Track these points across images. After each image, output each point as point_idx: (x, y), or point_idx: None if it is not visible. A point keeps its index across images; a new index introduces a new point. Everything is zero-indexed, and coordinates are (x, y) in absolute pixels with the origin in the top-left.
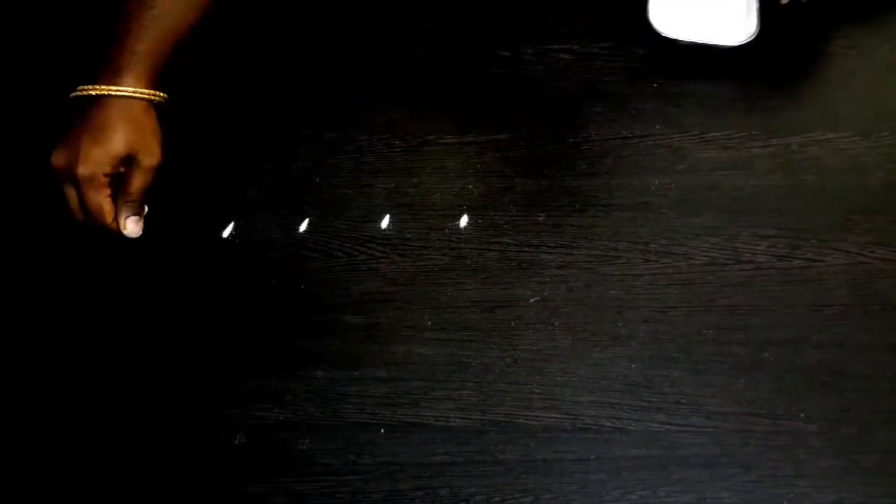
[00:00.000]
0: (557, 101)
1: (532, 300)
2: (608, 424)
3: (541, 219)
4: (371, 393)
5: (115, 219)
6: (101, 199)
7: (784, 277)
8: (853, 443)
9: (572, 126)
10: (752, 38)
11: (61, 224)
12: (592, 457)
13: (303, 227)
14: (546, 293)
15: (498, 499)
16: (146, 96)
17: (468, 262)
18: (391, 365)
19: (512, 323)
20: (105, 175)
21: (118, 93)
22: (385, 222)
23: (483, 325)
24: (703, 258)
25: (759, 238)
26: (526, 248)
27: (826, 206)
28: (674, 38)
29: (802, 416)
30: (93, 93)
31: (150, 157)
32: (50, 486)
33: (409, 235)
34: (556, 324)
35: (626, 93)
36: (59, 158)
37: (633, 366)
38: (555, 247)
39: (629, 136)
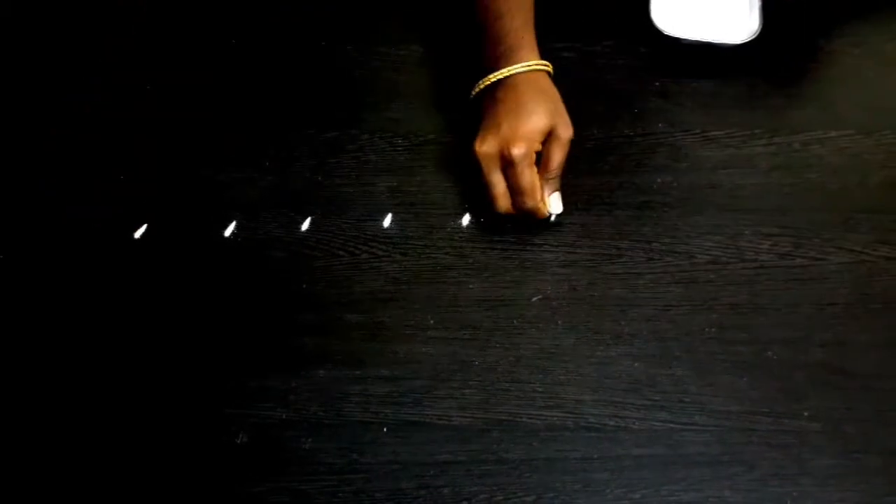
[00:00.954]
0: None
1: (534, 299)
2: (611, 423)
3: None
4: (373, 392)
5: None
6: (535, 177)
7: (787, 276)
8: (857, 442)
9: (575, 124)
10: (755, 36)
11: (63, 224)
12: (595, 455)
13: (305, 225)
14: (549, 292)
15: (501, 497)
16: (543, 67)
17: (470, 260)
18: (394, 364)
19: (514, 322)
20: (534, 152)
21: (523, 69)
22: (387, 221)
23: (485, 323)
24: (706, 256)
25: (762, 236)
26: (528, 247)
27: (829, 205)
28: (676, 36)
29: (805, 414)
30: (500, 76)
31: (566, 128)
32: (54, 485)
33: (411, 234)
34: (559, 322)
35: (629, 91)
36: (487, 147)
37: (636, 364)
38: (557, 245)
39: (631, 134)
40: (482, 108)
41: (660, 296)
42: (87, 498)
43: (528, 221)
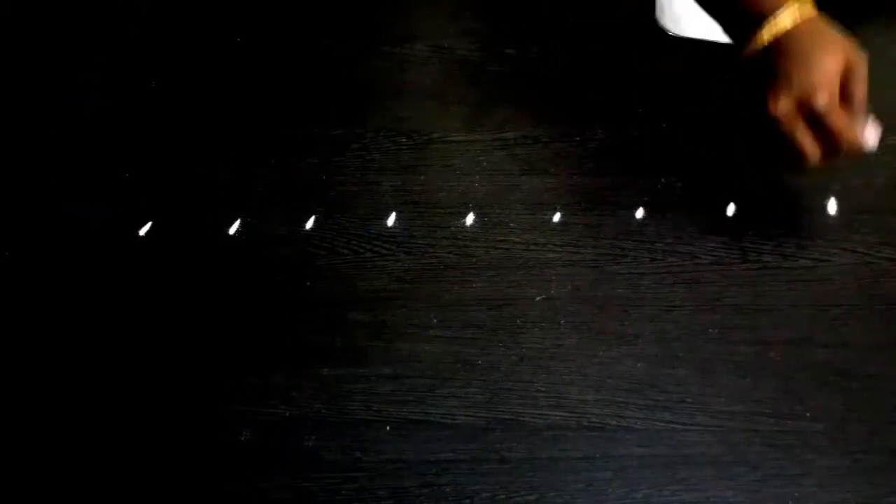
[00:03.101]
0: (564, 99)
1: (538, 298)
2: (613, 423)
3: (547, 217)
4: (377, 390)
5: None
6: (844, 117)
7: (790, 277)
8: (859, 442)
9: (579, 124)
10: None
11: (65, 223)
12: (598, 455)
13: (309, 224)
14: (552, 292)
15: (503, 496)
16: (807, 8)
17: (474, 260)
18: (397, 362)
19: (518, 321)
20: (837, 95)
21: (790, 18)
22: (391, 220)
23: (489, 323)
24: (709, 257)
25: (766, 237)
26: (532, 247)
27: (833, 206)
28: (682, 35)
29: (808, 415)
30: (773, 29)
31: (858, 56)
32: (57, 483)
33: (415, 233)
34: (562, 322)
35: (633, 91)
36: (783, 106)
37: (639, 364)
38: (561, 245)
39: (635, 134)
40: (757, 69)
41: (663, 296)
42: (90, 495)
43: (840, 167)
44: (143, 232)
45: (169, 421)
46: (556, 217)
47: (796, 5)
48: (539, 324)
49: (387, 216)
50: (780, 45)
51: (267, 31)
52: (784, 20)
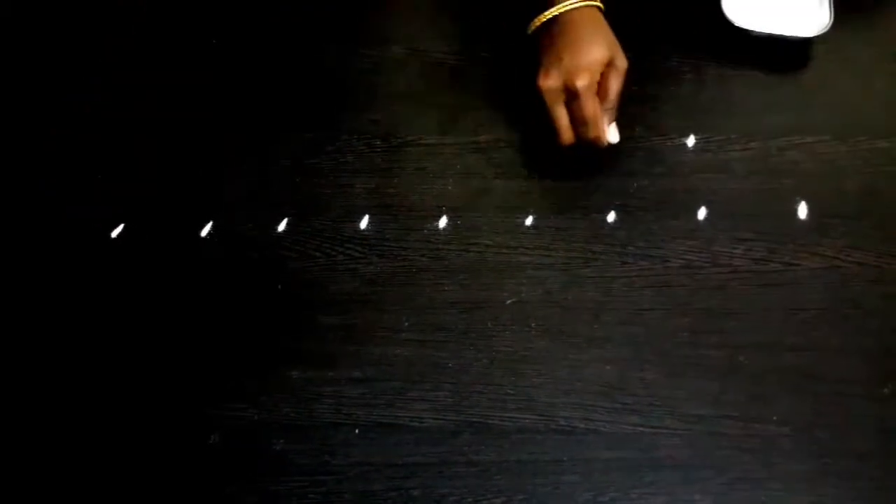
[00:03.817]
0: (537, 104)
1: (509, 302)
2: (582, 426)
3: (519, 220)
4: (346, 393)
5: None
6: (598, 107)
7: (760, 281)
8: (826, 446)
9: (552, 128)
10: (826, 30)
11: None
12: (566, 458)
13: (281, 226)
14: (523, 294)
15: (471, 499)
16: (595, 3)
17: (446, 263)
18: (367, 365)
19: (489, 324)
20: (596, 83)
21: (578, 4)
22: (364, 223)
23: (460, 326)
24: (680, 261)
25: (737, 241)
26: (504, 250)
27: (803, 210)
28: (747, 28)
29: (775, 419)
30: (555, 13)
31: (623, 59)
32: (22, 484)
33: (388, 236)
34: (533, 325)
35: None
36: (550, 81)
37: (608, 368)
38: (532, 248)
39: None
40: (539, 45)
41: (633, 300)
42: (59, 497)
43: (587, 152)
44: (115, 234)
45: (137, 423)
46: (529, 220)
47: None
48: (510, 327)
49: (360, 219)
50: (559, 26)
51: (241, 34)
52: (566, 7)
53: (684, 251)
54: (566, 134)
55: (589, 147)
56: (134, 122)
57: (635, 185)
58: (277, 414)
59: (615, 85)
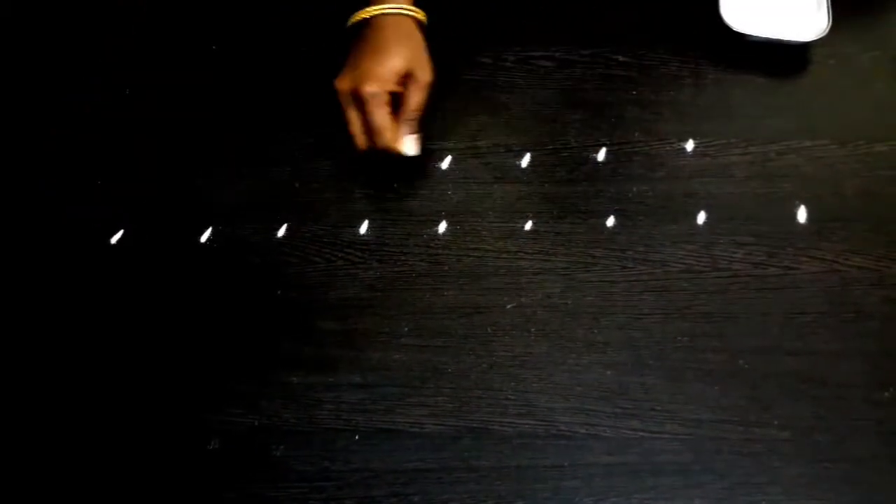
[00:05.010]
0: (537, 108)
1: (509, 306)
2: (582, 431)
3: (519, 225)
4: (346, 399)
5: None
6: (386, 117)
7: (760, 285)
8: (826, 451)
9: (551, 133)
10: (824, 34)
11: (43, 225)
12: (566, 463)
13: (281, 232)
14: (523, 299)
15: None
16: (413, 13)
17: (446, 268)
18: (367, 371)
19: (489, 329)
20: (387, 92)
21: (391, 11)
22: (364, 228)
23: (460, 331)
24: (680, 265)
25: (736, 245)
26: (504, 255)
27: (803, 214)
28: (744, 33)
29: (776, 423)
30: (367, 15)
31: (426, 73)
32: (23, 491)
33: (387, 241)
34: (533, 330)
35: (606, 100)
36: (344, 83)
37: (608, 372)
38: (532, 253)
39: (608, 143)
40: (350, 45)
41: (633, 304)
42: (59, 501)
43: (390, 159)
44: (114, 240)
45: (137, 428)
46: (528, 225)
47: (397, 6)
48: (510, 331)
49: (359, 224)
50: (369, 29)
51: (242, 39)
52: (377, 12)
53: (684, 255)
54: (358, 139)
55: (388, 155)
56: (133, 125)
57: (635, 189)
58: (277, 419)
59: (414, 98)
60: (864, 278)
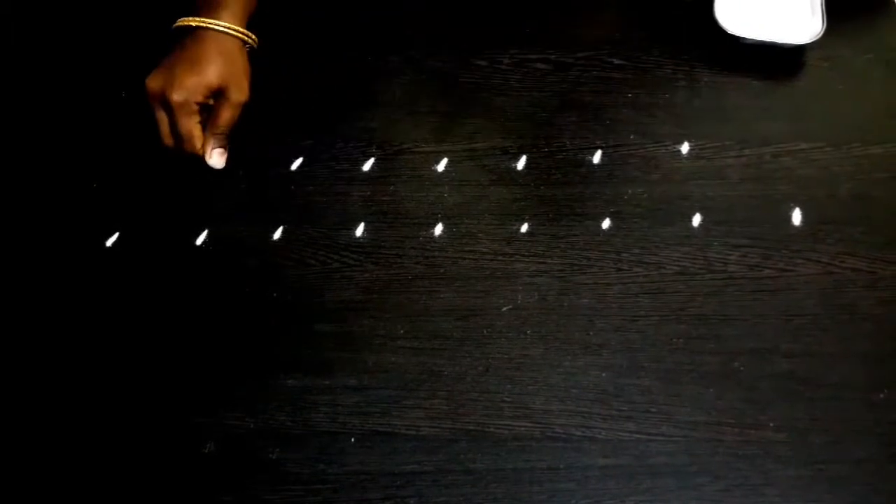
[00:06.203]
0: (533, 111)
1: (504, 309)
2: (578, 433)
3: (515, 227)
4: (342, 402)
5: (202, 147)
6: (192, 126)
7: (755, 287)
8: (821, 452)
9: (547, 135)
10: (818, 37)
11: (36, 230)
12: (562, 465)
13: (277, 234)
14: (519, 301)
15: None
16: (240, 34)
17: (442, 270)
18: (363, 373)
19: (484, 331)
20: (196, 103)
21: (216, 27)
22: (360, 230)
23: (456, 333)
24: (675, 267)
25: (731, 247)
26: (500, 257)
27: (797, 216)
28: (738, 35)
29: (772, 425)
30: (192, 24)
31: (240, 93)
32: (20, 494)
33: (383, 244)
34: (528, 332)
35: (601, 103)
36: (154, 83)
37: (604, 374)
38: (528, 255)
39: (603, 145)
40: (171, 45)
41: (628, 306)
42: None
43: (195, 162)
44: (110, 242)
45: (132, 431)
46: (524, 227)
47: (226, 25)
48: (505, 334)
49: (355, 226)
50: (192, 38)
51: None
52: (204, 24)
53: (679, 257)
54: (164, 139)
55: (193, 159)
56: (129, 128)
57: (630, 192)
58: (273, 422)
59: (224, 114)
60: (859, 280)
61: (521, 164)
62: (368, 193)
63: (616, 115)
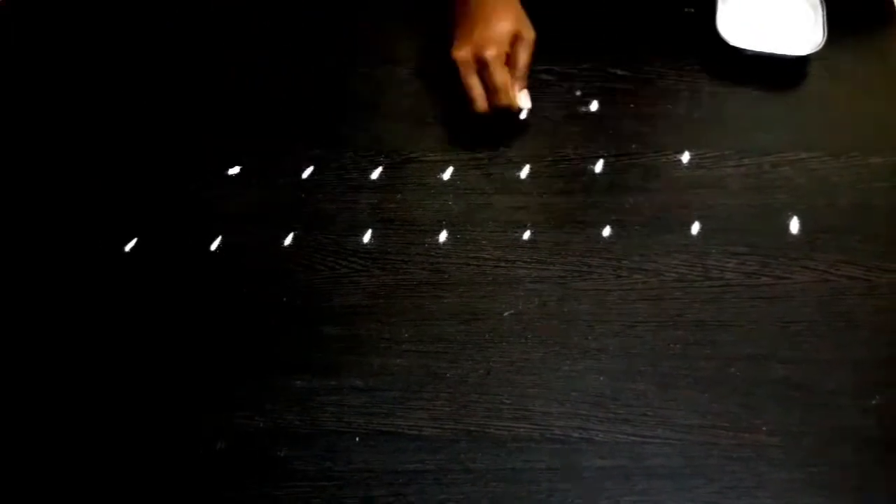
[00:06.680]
0: (537, 121)
1: (506, 314)
2: (576, 435)
3: (517, 235)
4: (348, 402)
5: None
6: (507, 76)
7: (752, 294)
8: (814, 456)
9: (551, 145)
10: (819, 48)
11: (53, 236)
12: (560, 466)
13: (287, 240)
14: (520, 307)
15: None
16: None
17: (446, 276)
18: (368, 375)
19: (487, 336)
20: (505, 53)
21: None
22: (367, 237)
23: (459, 337)
24: (674, 274)
25: (729, 255)
26: (502, 263)
27: (796, 225)
28: (740, 47)
29: (765, 429)
30: None
31: (530, 30)
32: (29, 490)
33: (390, 250)
34: (529, 337)
35: (604, 113)
36: (464, 52)
37: (602, 378)
38: (530, 262)
39: (605, 155)
40: (453, 16)
41: (627, 312)
42: (66, 500)
43: (503, 118)
44: (128, 248)
45: (146, 429)
46: (527, 234)
47: None
48: (507, 338)
49: (363, 233)
50: (470, 2)
51: (250, 51)
52: None
53: (678, 265)
54: (480, 102)
55: (503, 114)
56: (148, 139)
57: (631, 200)
58: (282, 421)
59: (523, 55)
60: (855, 288)
61: (524, 173)
62: (376, 201)
63: (618, 125)
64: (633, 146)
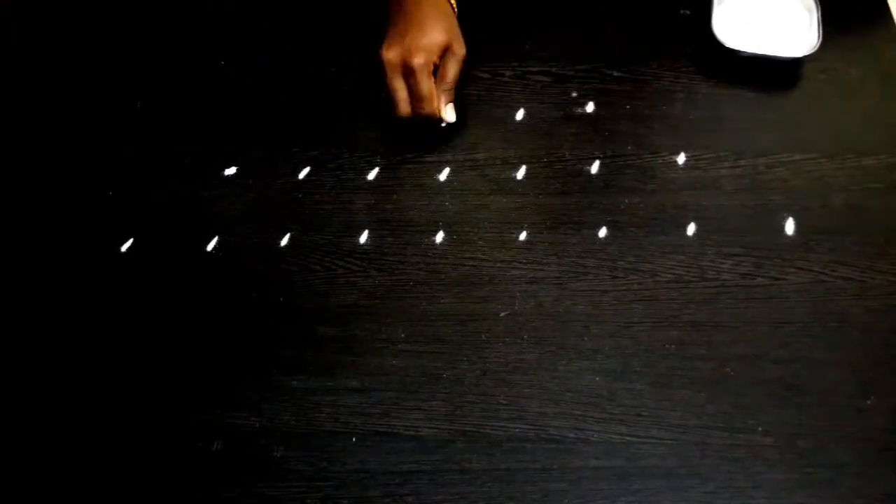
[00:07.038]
0: (533, 122)
1: (503, 314)
2: (571, 435)
3: (513, 235)
4: (344, 402)
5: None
6: (431, 86)
7: (747, 295)
8: (808, 456)
9: (547, 146)
10: (814, 50)
11: (50, 237)
12: (555, 466)
13: (284, 241)
14: (516, 307)
15: None
16: None
17: (442, 276)
18: (364, 376)
19: (483, 336)
20: (432, 63)
21: None
22: (364, 237)
23: (455, 337)
24: (669, 275)
25: (725, 256)
26: (498, 264)
27: (790, 226)
28: (736, 49)
29: (760, 429)
30: None
31: (461, 46)
32: (27, 490)
33: (386, 250)
34: (525, 337)
35: (600, 114)
36: (392, 53)
37: (598, 379)
38: (526, 263)
39: (601, 156)
40: (389, 14)
41: (622, 313)
42: (61, 500)
43: (425, 125)
44: (125, 248)
45: (142, 429)
46: (522, 235)
47: None
48: (503, 338)
49: (359, 234)
50: (407, 5)
51: (247, 54)
52: None
53: (673, 266)
54: (402, 105)
55: (425, 122)
56: (143, 138)
57: (626, 201)
58: (278, 421)
59: (453, 69)
60: (850, 289)
61: (520, 173)
62: (372, 202)
63: (614, 127)
64: (629, 147)
